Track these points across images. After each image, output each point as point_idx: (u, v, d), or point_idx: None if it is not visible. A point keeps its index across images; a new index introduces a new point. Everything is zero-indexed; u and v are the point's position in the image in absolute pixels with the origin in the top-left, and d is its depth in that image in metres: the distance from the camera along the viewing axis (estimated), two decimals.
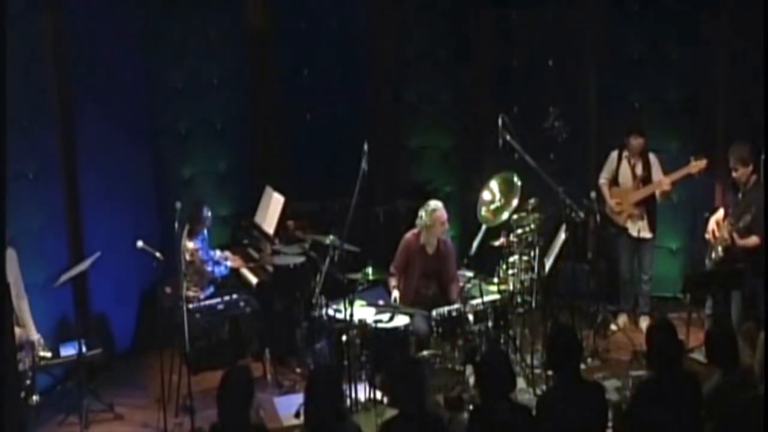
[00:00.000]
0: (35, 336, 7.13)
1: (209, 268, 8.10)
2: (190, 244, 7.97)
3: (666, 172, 8.37)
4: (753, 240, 7.52)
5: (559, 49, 9.34)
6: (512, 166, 7.83)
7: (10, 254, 6.97)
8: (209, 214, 8.16)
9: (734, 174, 7.67)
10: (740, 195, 7.71)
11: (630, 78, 9.16)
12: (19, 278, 7.07)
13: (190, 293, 7.92)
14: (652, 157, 8.48)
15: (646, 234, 8.53)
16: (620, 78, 9.22)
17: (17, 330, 7.01)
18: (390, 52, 9.79)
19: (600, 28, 9.28)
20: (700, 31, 8.89)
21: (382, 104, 9.84)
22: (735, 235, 7.57)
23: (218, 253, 8.37)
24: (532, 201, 7.88)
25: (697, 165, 8.12)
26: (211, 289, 8.20)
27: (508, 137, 7.53)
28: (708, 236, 7.87)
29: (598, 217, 8.17)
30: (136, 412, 7.50)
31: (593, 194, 8.34)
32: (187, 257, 7.90)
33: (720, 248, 7.70)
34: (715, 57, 8.85)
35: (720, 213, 7.89)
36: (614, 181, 8.61)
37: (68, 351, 7.42)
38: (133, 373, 8.23)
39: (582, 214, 7.81)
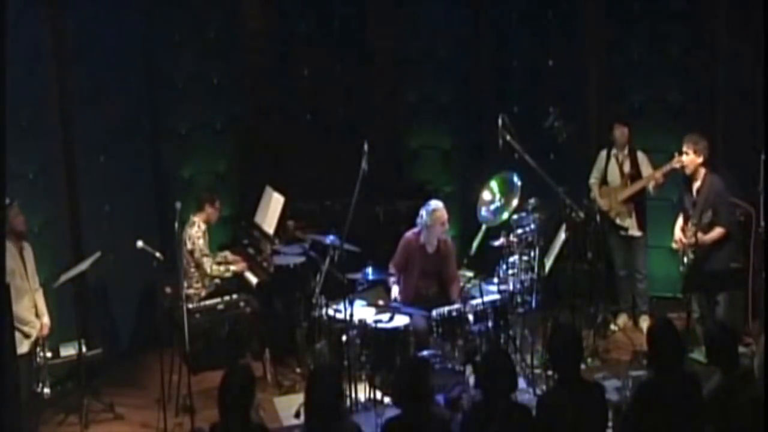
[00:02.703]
0: (47, 323, 7.17)
1: (207, 266, 8.06)
2: (193, 230, 7.96)
3: (655, 167, 8.39)
4: (717, 232, 7.54)
5: (559, 49, 9.34)
6: (512, 166, 7.83)
7: (27, 248, 7.10)
8: (219, 206, 8.19)
9: (683, 157, 7.68)
10: (695, 194, 7.71)
11: (630, 78, 9.16)
12: (35, 270, 7.16)
13: (191, 291, 7.92)
14: (640, 155, 8.50)
15: (635, 232, 8.53)
16: (620, 78, 9.22)
17: (37, 322, 7.07)
18: (390, 52, 9.79)
19: (600, 28, 9.28)
20: (700, 31, 8.89)
21: (382, 104, 9.84)
22: (699, 234, 7.58)
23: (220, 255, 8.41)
24: (532, 201, 7.88)
25: (680, 160, 8.16)
26: (212, 288, 8.19)
27: (508, 137, 7.54)
28: (675, 246, 7.87)
29: (598, 218, 8.19)
30: (136, 412, 7.49)
31: (593, 194, 8.31)
32: (189, 245, 7.89)
33: (689, 252, 7.71)
34: (715, 57, 8.85)
35: (680, 220, 7.89)
36: (604, 181, 8.63)
37: (68, 351, 7.43)
38: (133, 373, 8.24)
39: (582, 214, 7.82)
